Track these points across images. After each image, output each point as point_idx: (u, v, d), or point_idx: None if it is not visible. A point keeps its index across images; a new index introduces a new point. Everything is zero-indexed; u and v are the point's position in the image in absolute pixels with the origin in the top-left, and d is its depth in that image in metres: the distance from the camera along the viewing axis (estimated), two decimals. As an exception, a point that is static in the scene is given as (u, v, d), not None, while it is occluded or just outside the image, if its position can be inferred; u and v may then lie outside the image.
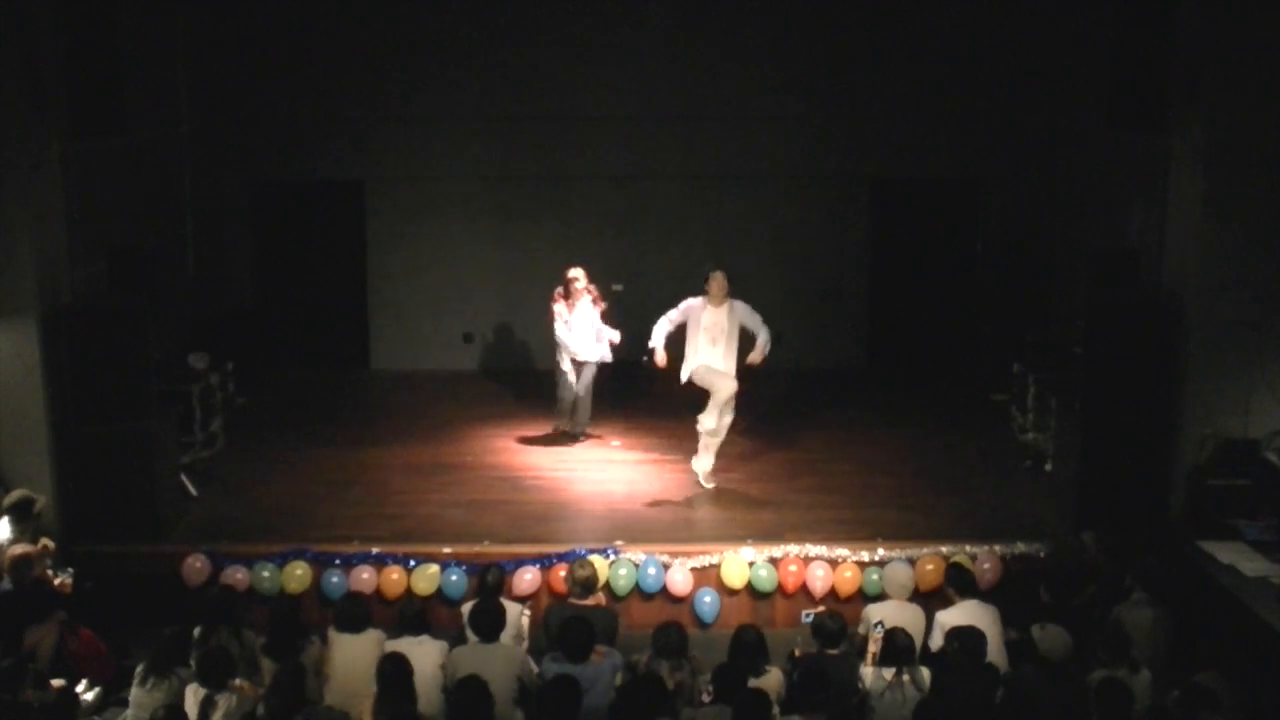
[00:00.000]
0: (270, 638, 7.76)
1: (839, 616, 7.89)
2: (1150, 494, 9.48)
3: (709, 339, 10.04)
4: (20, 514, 8.78)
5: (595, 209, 13.75)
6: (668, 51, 13.52)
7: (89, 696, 7.95)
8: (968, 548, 9.15)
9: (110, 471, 9.37)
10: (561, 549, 9.17)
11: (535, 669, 7.54)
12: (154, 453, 9.49)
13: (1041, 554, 9.23)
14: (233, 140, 13.56)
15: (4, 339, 9.27)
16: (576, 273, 11.14)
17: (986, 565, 9.03)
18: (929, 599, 8.66)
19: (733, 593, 9.17)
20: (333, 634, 7.71)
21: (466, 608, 8.08)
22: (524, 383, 13.26)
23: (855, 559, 9.16)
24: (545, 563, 9.12)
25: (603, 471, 10.96)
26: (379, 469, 10.99)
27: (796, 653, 7.95)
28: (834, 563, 9.16)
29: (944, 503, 10.18)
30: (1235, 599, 8.25)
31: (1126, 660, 7.22)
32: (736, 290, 10.19)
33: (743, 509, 10.15)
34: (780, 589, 9.14)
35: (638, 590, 9.12)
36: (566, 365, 11.27)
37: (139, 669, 7.41)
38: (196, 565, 9.07)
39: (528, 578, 9.04)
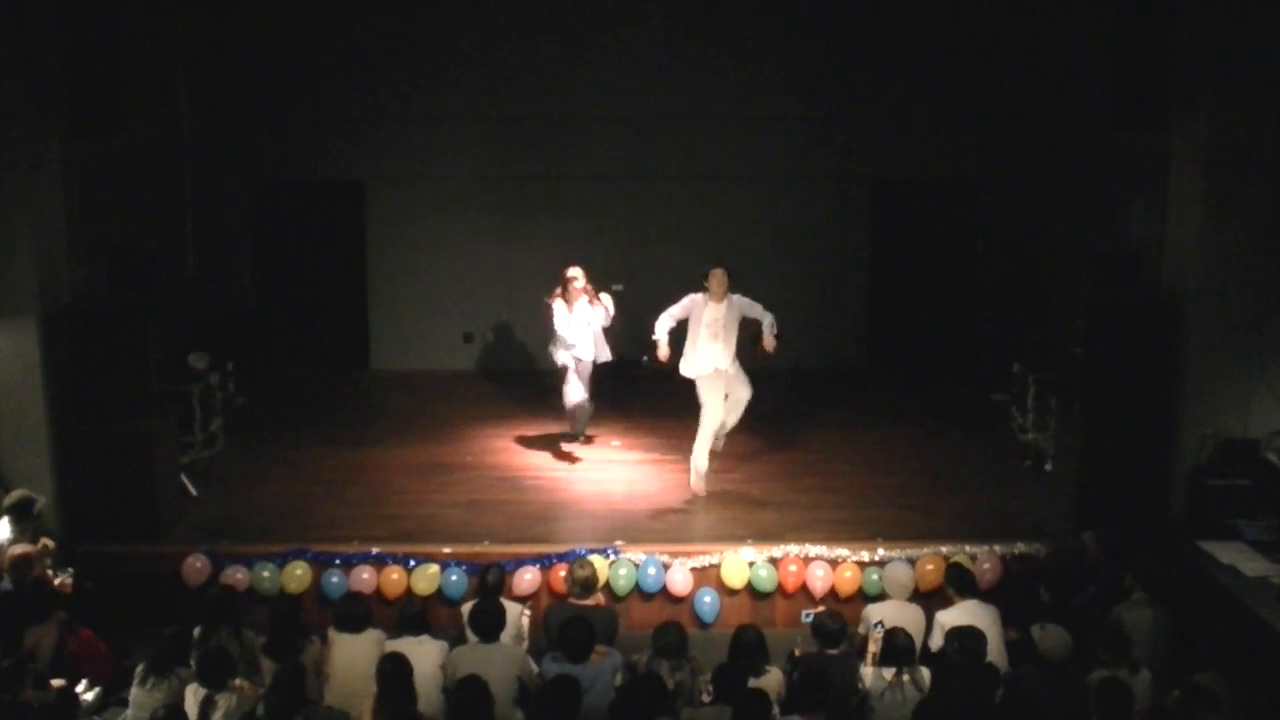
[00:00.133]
0: (270, 638, 7.76)
1: (839, 616, 7.89)
2: (1150, 494, 9.48)
3: (710, 334, 10.07)
4: (20, 514, 8.78)
5: (595, 209, 13.75)
6: (668, 51, 13.52)
7: (89, 696, 7.95)
8: (968, 548, 9.15)
9: (110, 471, 9.37)
10: (561, 549, 9.17)
11: (535, 669, 7.54)
12: (154, 453, 9.49)
13: (1041, 554, 9.23)
14: (233, 140, 13.56)
15: (4, 339, 9.28)
16: (575, 272, 11.11)
17: (986, 565, 9.03)
18: (929, 599, 8.66)
19: (733, 593, 9.17)
20: (333, 634, 7.71)
21: (466, 608, 8.08)
22: (524, 383, 13.26)
23: (855, 559, 9.16)
24: (545, 563, 9.12)
25: (603, 471, 10.96)
26: (379, 469, 10.99)
27: (796, 653, 7.95)
28: (834, 563, 9.16)
29: (944, 503, 10.18)
30: (1235, 599, 8.25)
31: (1126, 660, 7.22)
32: (736, 289, 10.18)
33: (743, 509, 10.15)
34: (780, 589, 9.14)
35: (638, 590, 9.12)
36: (570, 363, 11.20)
37: (139, 669, 7.41)
38: (196, 565, 9.07)
39: (528, 578, 9.04)
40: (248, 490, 10.53)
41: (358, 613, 7.77)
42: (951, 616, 7.92)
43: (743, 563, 9.15)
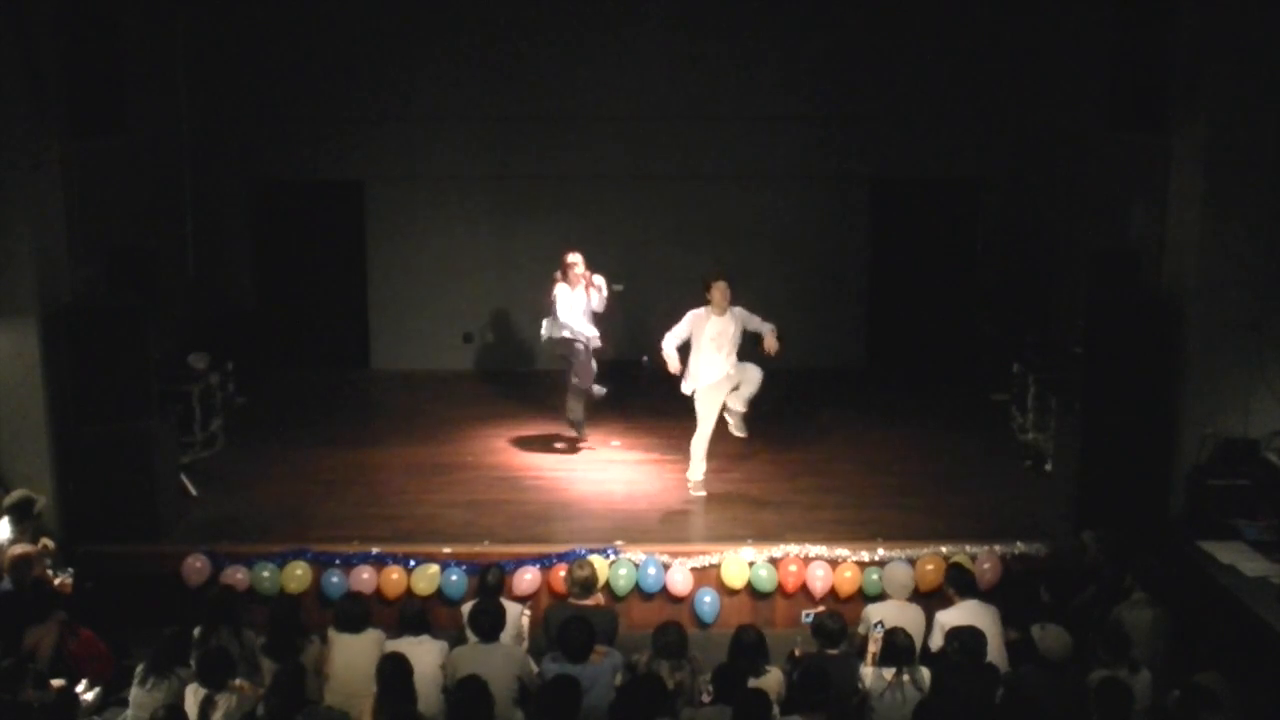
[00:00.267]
0: (270, 638, 7.76)
1: (839, 616, 7.89)
2: (1150, 494, 9.47)
3: (715, 347, 10.02)
4: (20, 514, 8.78)
5: (595, 209, 13.74)
6: (668, 52, 13.52)
7: (89, 696, 7.95)
8: (968, 548, 9.15)
9: (110, 471, 9.37)
10: (561, 549, 9.17)
11: (535, 669, 7.54)
12: (154, 453, 9.49)
13: (1041, 554, 9.22)
14: (233, 140, 13.56)
15: (4, 339, 9.28)
16: (576, 258, 11.09)
17: (986, 565, 9.03)
18: (929, 599, 8.66)
19: (733, 593, 9.17)
20: (333, 634, 7.71)
21: (466, 608, 8.08)
22: (524, 383, 13.27)
23: (855, 559, 9.16)
24: (545, 563, 9.12)
25: (603, 471, 10.96)
26: (379, 469, 10.99)
27: (796, 653, 7.94)
28: (834, 563, 9.16)
29: (944, 503, 10.18)
30: (1235, 599, 8.25)
31: (1126, 660, 7.22)
32: (736, 289, 10.17)
33: (743, 509, 10.14)
34: (780, 589, 9.14)
35: (638, 590, 9.12)
36: (582, 344, 11.16)
37: (139, 669, 7.41)
38: (196, 565, 9.07)
39: (528, 578, 9.04)
40: (248, 490, 10.53)
41: (358, 613, 7.77)
42: (951, 616, 7.92)
43: (743, 563, 9.15)
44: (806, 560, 9.17)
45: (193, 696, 7.08)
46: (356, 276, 14.04)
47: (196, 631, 7.76)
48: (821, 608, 8.73)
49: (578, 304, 11.11)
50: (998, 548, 9.19)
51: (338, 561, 9.12)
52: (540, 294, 11.34)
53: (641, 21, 13.51)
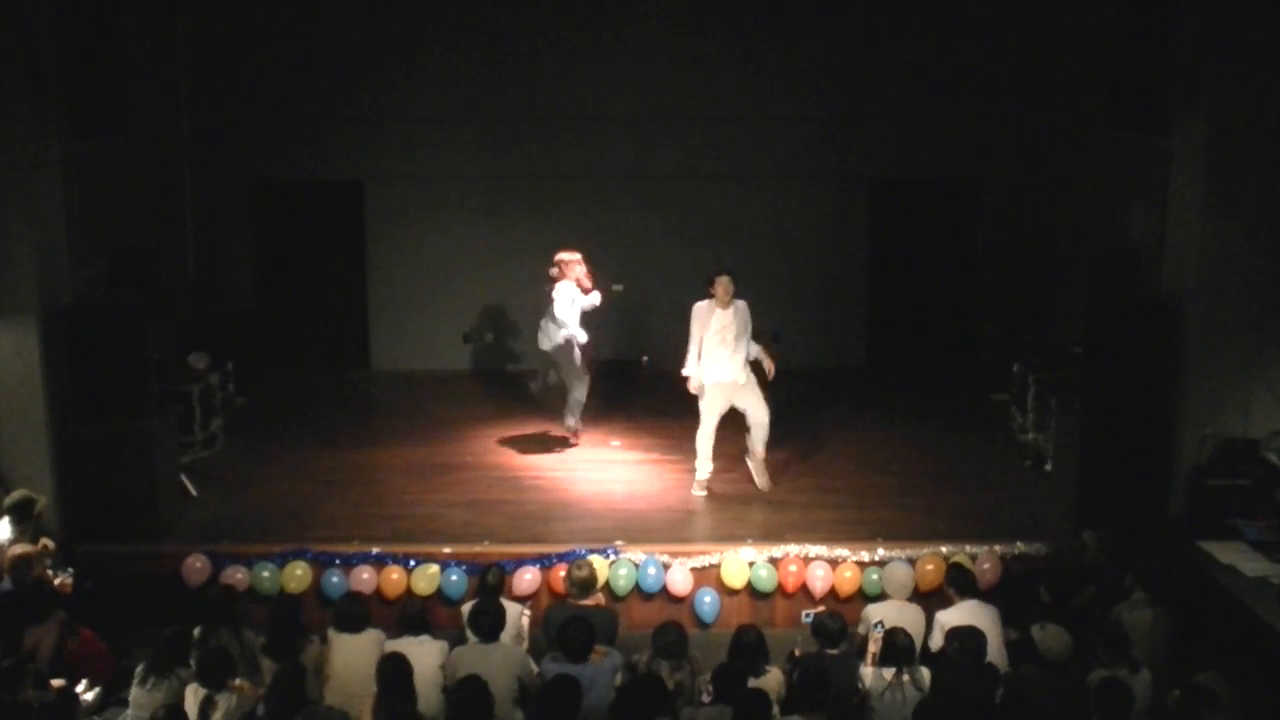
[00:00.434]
0: (270, 638, 7.76)
1: (839, 616, 7.89)
2: (1150, 494, 9.47)
3: (719, 340, 10.06)
4: (20, 514, 8.78)
5: (595, 209, 13.74)
6: (667, 51, 13.53)
7: (89, 696, 7.94)
8: (968, 548, 9.15)
9: (110, 471, 9.36)
10: (561, 549, 9.17)
11: (535, 669, 7.53)
12: (154, 453, 9.48)
13: (1041, 554, 9.22)
14: (233, 140, 13.57)
15: (4, 339, 9.27)
16: (576, 256, 11.09)
17: (986, 565, 9.03)
18: (929, 599, 8.65)
19: (733, 593, 9.17)
20: (332, 634, 7.70)
21: (466, 608, 8.08)
22: (524, 383, 13.24)
23: (855, 559, 9.16)
24: (545, 563, 9.12)
25: (603, 471, 10.96)
26: (379, 469, 10.99)
27: (796, 653, 7.94)
28: (834, 563, 9.16)
29: (944, 503, 10.18)
30: (1235, 599, 8.24)
31: (1126, 660, 7.22)
32: (737, 289, 10.16)
33: (743, 509, 10.15)
34: (780, 589, 9.15)
35: (638, 590, 9.12)
36: (577, 344, 11.17)
37: (139, 669, 7.41)
38: (196, 565, 9.07)
39: (528, 578, 9.04)
40: (248, 490, 10.53)
41: (357, 613, 7.77)
42: (951, 616, 7.92)
43: (743, 563, 9.15)
44: (806, 560, 9.17)
45: (193, 696, 7.07)
46: (356, 276, 14.04)
47: (196, 631, 7.75)
48: (821, 608, 8.73)
49: (580, 304, 11.11)
50: (998, 548, 9.19)
51: (338, 561, 9.12)
52: (540, 295, 11.31)
53: (641, 21, 13.51)
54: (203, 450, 10.73)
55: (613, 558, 9.14)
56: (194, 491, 10.28)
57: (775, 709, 6.94)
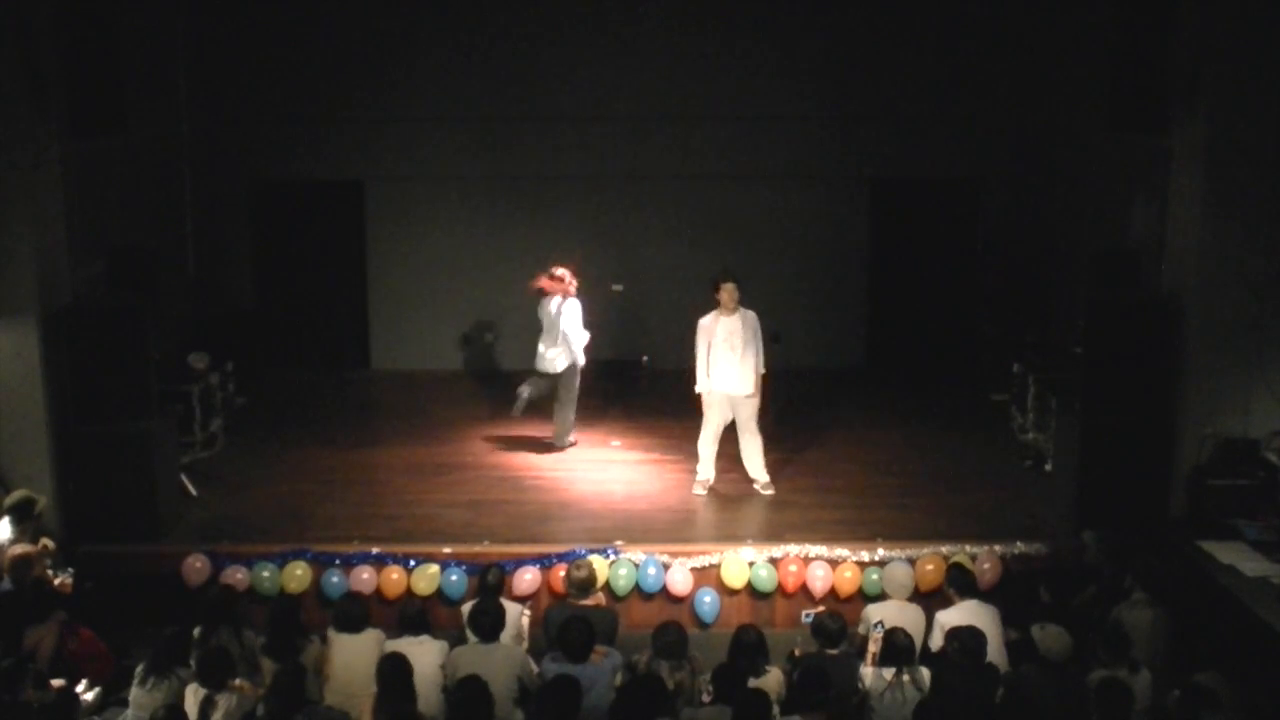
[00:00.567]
0: (270, 638, 7.76)
1: (839, 616, 7.89)
2: (1150, 494, 9.47)
3: (728, 347, 10.05)
4: (21, 514, 8.78)
5: (595, 209, 13.74)
6: (667, 51, 13.52)
7: (89, 696, 7.95)
8: (968, 548, 9.15)
9: (110, 471, 9.37)
10: (561, 549, 9.17)
11: (535, 669, 7.54)
12: (154, 453, 9.49)
13: (1041, 554, 9.22)
14: (233, 140, 13.56)
15: (4, 339, 9.28)
16: (568, 270, 11.09)
17: (986, 565, 9.03)
18: (929, 599, 8.66)
19: (733, 593, 9.17)
20: (332, 634, 7.71)
21: (466, 608, 8.09)
22: (523, 383, 13.24)
23: (855, 559, 9.16)
24: (545, 563, 9.12)
25: (603, 471, 10.96)
26: (379, 469, 10.99)
27: (796, 653, 7.95)
28: (834, 563, 9.16)
29: (944, 503, 10.18)
30: (1235, 599, 8.24)
31: (1126, 660, 7.23)
32: (742, 295, 10.18)
33: (743, 509, 10.15)
34: (780, 589, 9.14)
35: (638, 590, 9.12)
36: (580, 361, 11.17)
37: (139, 669, 7.42)
38: (196, 565, 9.07)
39: (528, 578, 9.04)
40: (248, 490, 10.53)
41: (357, 613, 7.77)
42: (951, 616, 7.92)
43: (743, 563, 9.15)
44: (806, 560, 9.17)
45: (193, 696, 7.08)
46: (356, 276, 14.03)
47: (196, 631, 7.76)
48: (821, 608, 8.73)
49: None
50: (998, 548, 9.19)
51: (338, 561, 9.12)
52: (535, 304, 11.26)
53: (641, 21, 13.51)
54: (203, 450, 10.73)
55: (613, 558, 9.13)
56: (194, 491, 10.28)
57: (775, 709, 6.94)
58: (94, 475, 9.42)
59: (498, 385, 13.40)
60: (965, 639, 7.36)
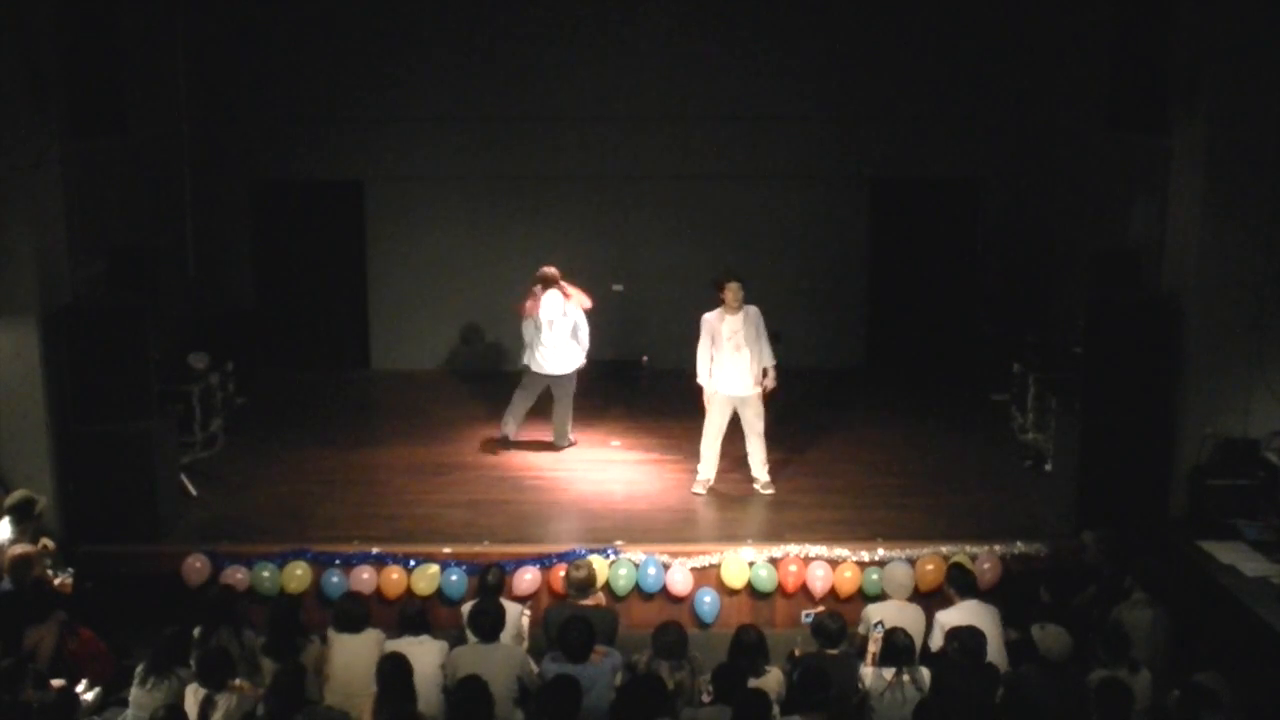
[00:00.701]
0: (270, 638, 7.76)
1: (839, 616, 7.89)
2: (1150, 494, 9.48)
3: (733, 346, 10.07)
4: (21, 514, 8.78)
5: (595, 209, 13.74)
6: (667, 51, 13.52)
7: (89, 696, 7.94)
8: (968, 548, 9.15)
9: (110, 471, 9.37)
10: (561, 549, 9.18)
11: (535, 669, 7.54)
12: (154, 453, 9.49)
13: (1041, 554, 9.22)
14: (233, 140, 13.56)
15: (4, 339, 9.28)
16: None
17: (986, 565, 9.03)
18: (929, 599, 8.66)
19: (733, 593, 9.17)
20: (332, 634, 7.71)
21: (466, 608, 8.09)
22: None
23: (855, 559, 9.16)
24: (545, 563, 9.12)
25: (603, 471, 10.96)
26: (379, 469, 10.99)
27: (796, 653, 7.95)
28: (834, 563, 9.16)
29: (944, 503, 10.18)
30: (1235, 599, 8.25)
31: (1126, 660, 7.22)
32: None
33: (743, 509, 10.15)
34: (780, 589, 9.15)
35: (638, 590, 9.13)
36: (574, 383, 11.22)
37: (139, 669, 7.41)
38: (196, 565, 9.07)
39: (528, 578, 9.04)
40: (248, 490, 10.53)
41: (357, 613, 7.77)
42: (951, 616, 7.92)
43: (743, 563, 9.15)
44: (806, 560, 9.17)
45: (193, 696, 7.08)
46: (356, 276, 14.03)
47: (196, 631, 7.76)
48: (821, 608, 8.73)
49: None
50: (998, 548, 9.19)
51: (338, 561, 9.13)
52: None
53: (641, 21, 13.51)
54: (203, 450, 10.73)
55: (613, 558, 9.14)
56: (194, 491, 10.29)
57: (775, 709, 6.94)
58: (94, 475, 9.42)
59: (498, 385, 13.40)
60: (965, 639, 7.36)
